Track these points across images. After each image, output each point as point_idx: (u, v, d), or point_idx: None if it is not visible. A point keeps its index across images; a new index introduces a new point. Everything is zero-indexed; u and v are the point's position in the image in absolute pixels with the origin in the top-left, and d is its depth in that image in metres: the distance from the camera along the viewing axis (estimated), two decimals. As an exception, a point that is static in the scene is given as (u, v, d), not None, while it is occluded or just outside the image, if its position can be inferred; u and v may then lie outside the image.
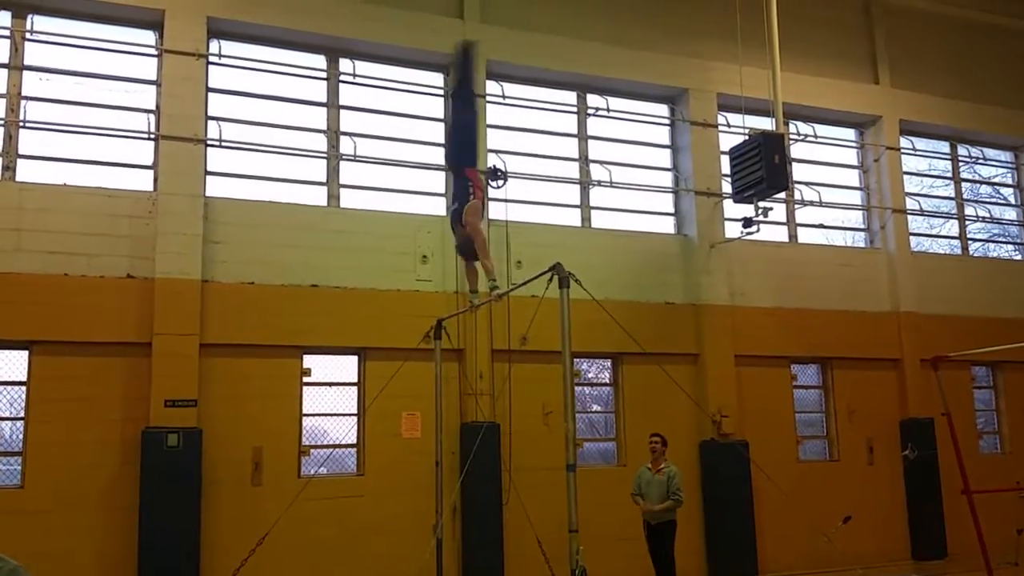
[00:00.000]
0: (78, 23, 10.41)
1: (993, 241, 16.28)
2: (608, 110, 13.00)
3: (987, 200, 16.32)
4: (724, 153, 12.85)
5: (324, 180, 11.32)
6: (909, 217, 14.71)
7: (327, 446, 10.74)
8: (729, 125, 13.42)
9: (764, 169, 11.28)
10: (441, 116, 12.03)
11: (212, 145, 10.70)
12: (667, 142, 13.48)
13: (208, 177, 10.60)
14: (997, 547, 10.92)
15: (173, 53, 10.42)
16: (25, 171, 9.97)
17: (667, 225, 13.25)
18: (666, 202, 13.34)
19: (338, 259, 10.88)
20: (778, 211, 13.17)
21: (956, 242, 15.65)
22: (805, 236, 14.24)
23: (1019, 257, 16.28)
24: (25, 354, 9.56)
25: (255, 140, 11.00)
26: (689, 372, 12.35)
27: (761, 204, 11.83)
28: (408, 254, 11.27)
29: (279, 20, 11.04)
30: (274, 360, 10.46)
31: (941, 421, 11.36)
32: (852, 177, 14.90)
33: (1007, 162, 16.48)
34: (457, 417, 11.05)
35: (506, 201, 11.73)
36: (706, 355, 12.56)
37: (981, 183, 16.41)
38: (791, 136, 13.66)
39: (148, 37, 10.70)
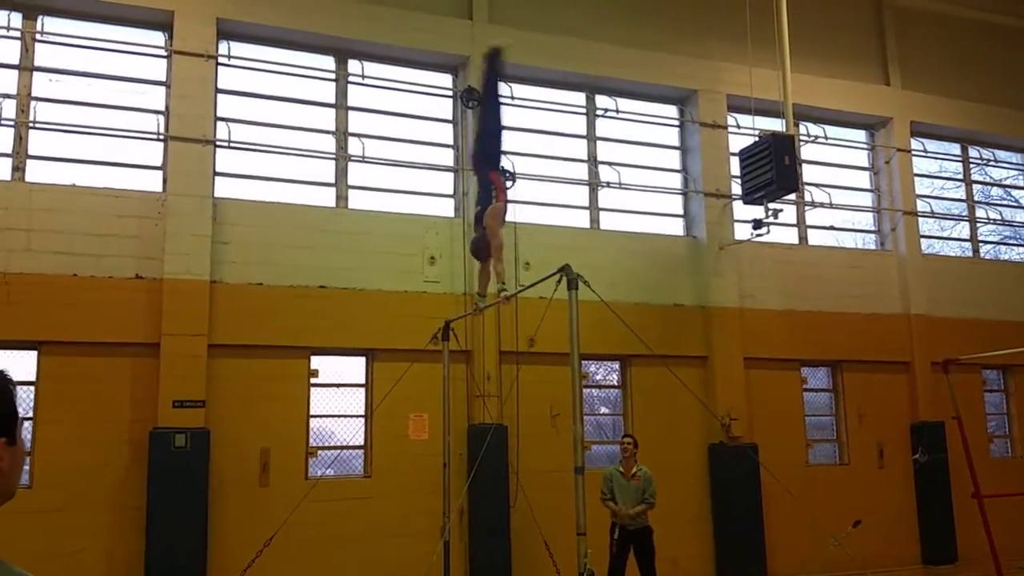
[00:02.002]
0: (88, 24, 10.44)
1: (1004, 243, 16.16)
2: (617, 111, 12.96)
3: (998, 202, 16.21)
4: (734, 154, 12.77)
5: (332, 181, 11.32)
6: (920, 219, 14.62)
7: (334, 447, 10.74)
8: (739, 126, 13.36)
9: (774, 170, 11.23)
10: (450, 117, 12.03)
11: (221, 146, 10.71)
12: (676, 143, 13.43)
13: (217, 178, 10.61)
14: (1008, 551, 10.86)
15: (182, 54, 10.43)
16: (34, 172, 10.00)
17: (676, 227, 13.20)
18: (675, 203, 13.29)
19: (346, 260, 10.87)
20: (788, 213, 13.10)
21: (967, 244, 15.55)
22: (815, 238, 14.17)
23: (1031, 259, 16.19)
24: (34, 354, 9.58)
25: (264, 141, 11.02)
26: (698, 374, 12.27)
27: (771, 206, 11.78)
28: (416, 255, 11.25)
29: (288, 21, 11.05)
30: (282, 361, 10.46)
31: (952, 425, 11.27)
32: (862, 179, 14.83)
33: (1018, 164, 16.38)
34: (465, 419, 11.02)
35: (515, 202, 11.67)
36: (715, 357, 12.50)
37: (992, 185, 16.31)
38: (801, 137, 13.58)
39: (157, 38, 10.72)
